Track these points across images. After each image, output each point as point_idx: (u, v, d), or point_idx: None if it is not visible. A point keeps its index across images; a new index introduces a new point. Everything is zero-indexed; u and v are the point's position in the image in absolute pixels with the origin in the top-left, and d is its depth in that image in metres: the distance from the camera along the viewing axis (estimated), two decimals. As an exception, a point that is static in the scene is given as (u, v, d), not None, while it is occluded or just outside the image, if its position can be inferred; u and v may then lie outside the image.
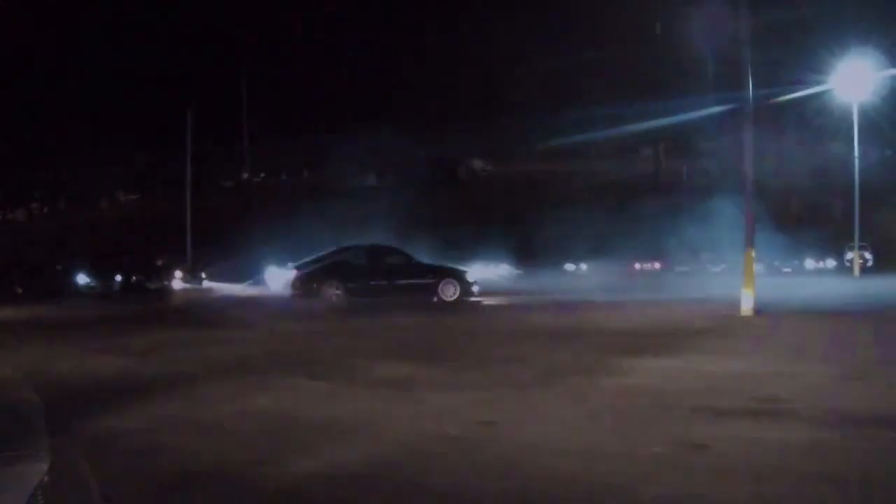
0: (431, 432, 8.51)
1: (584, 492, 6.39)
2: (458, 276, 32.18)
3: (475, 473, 6.97)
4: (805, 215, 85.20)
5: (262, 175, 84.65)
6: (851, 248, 62.44)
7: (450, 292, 31.55)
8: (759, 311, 22.55)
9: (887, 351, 14.76)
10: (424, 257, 35.05)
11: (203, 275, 55.59)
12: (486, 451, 7.70)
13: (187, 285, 53.48)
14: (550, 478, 6.73)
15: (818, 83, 51.14)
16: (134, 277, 50.47)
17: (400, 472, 7.06)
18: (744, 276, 23.09)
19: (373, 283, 31.73)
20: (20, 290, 47.23)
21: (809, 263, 76.78)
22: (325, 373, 12.99)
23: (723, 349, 15.45)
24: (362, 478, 6.95)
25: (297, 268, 33.21)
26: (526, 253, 62.90)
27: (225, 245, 58.42)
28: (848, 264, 65.04)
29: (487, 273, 61.40)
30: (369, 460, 7.47)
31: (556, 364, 13.72)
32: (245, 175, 77.07)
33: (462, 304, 30.17)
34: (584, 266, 69.73)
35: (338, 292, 30.79)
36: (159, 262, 55.75)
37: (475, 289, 32.07)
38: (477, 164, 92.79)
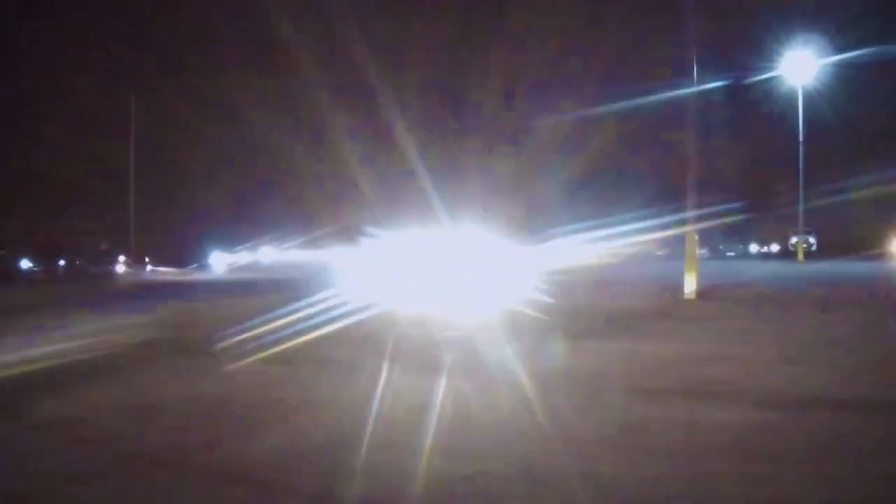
0: (375, 414, 8.46)
1: (525, 471, 6.40)
2: None
3: (421, 454, 6.94)
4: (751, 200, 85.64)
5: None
6: (796, 233, 62.92)
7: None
8: (701, 294, 22.68)
9: (826, 334, 14.89)
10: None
11: (147, 259, 55.38)
12: (432, 430, 7.71)
13: (131, 270, 53.27)
14: (487, 457, 6.72)
15: (766, 69, 51.47)
16: (77, 262, 50.23)
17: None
18: (686, 260, 23.20)
19: None
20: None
21: (754, 248, 77.34)
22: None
23: (664, 332, 15.53)
24: (306, 459, 6.90)
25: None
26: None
27: (168, 229, 58.18)
28: (792, 249, 65.52)
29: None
30: (312, 442, 7.44)
31: (500, 345, 13.70)
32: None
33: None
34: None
35: None
36: (103, 247, 55.49)
37: None
38: None
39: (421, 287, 22.95)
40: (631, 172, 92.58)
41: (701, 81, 24.88)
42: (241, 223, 50.15)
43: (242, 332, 14.03)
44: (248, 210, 58.75)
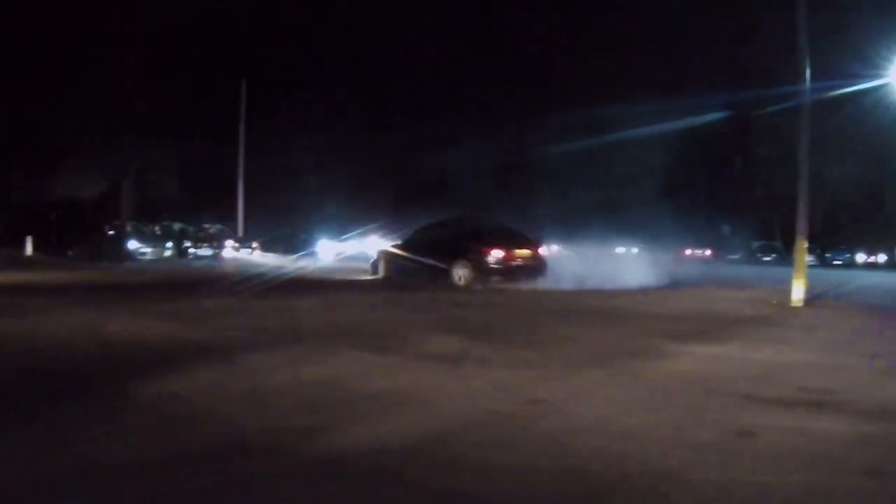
0: (484, 408, 8.58)
1: (634, 473, 6.45)
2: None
3: (526, 450, 7.03)
4: (859, 210, 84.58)
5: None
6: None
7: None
8: (809, 301, 22.52)
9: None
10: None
11: (254, 244, 55.79)
12: (539, 428, 7.79)
13: (238, 254, 53.71)
14: (601, 458, 6.78)
15: (876, 77, 50.70)
16: (185, 244, 50.74)
17: (450, 446, 7.14)
18: (795, 267, 23.05)
19: None
20: (71, 254, 47.56)
21: (861, 257, 76.28)
22: (375, 345, 13.06)
23: (772, 338, 15.39)
24: (411, 450, 6.99)
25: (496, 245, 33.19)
26: (576, 234, 62.78)
27: (277, 215, 58.63)
28: (899, 259, 64.63)
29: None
30: (419, 433, 7.52)
31: (607, 346, 13.81)
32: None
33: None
34: (635, 249, 69.61)
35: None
36: (211, 230, 55.99)
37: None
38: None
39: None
40: (734, 179, 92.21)
41: (813, 88, 24.67)
42: (350, 212, 50.39)
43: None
44: (357, 199, 59.18)
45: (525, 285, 28.06)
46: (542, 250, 31.83)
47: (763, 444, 7.36)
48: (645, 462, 6.73)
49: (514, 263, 29.98)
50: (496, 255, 29.64)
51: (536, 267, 30.60)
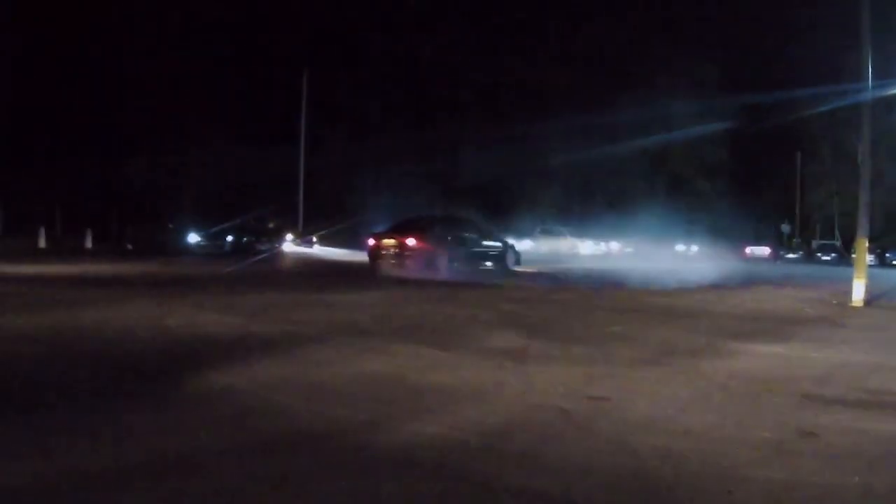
0: (544, 404, 8.58)
1: (692, 471, 6.46)
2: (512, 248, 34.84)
3: (587, 448, 7.04)
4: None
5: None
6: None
7: (512, 261, 33.49)
8: (870, 301, 22.40)
9: None
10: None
11: (314, 238, 56.00)
12: (598, 426, 7.79)
13: (298, 248, 53.94)
14: (661, 456, 6.77)
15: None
16: (245, 238, 50.98)
17: (511, 443, 7.14)
18: (855, 266, 22.93)
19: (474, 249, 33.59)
20: (131, 247, 47.89)
21: (921, 258, 75.61)
22: (436, 340, 13.11)
23: (833, 338, 15.33)
24: (473, 446, 7.00)
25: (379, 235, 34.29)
26: (636, 231, 62.70)
27: (337, 210, 58.88)
28: (961, 260, 64.07)
29: (597, 249, 61.52)
30: (482, 429, 7.54)
31: (667, 343, 13.78)
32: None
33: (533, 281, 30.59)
34: (694, 247, 69.36)
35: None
36: (270, 225, 56.24)
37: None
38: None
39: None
40: (800, 179, 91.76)
41: (874, 86, 24.53)
42: (407, 207, 50.45)
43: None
44: (413, 194, 59.25)
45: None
46: (412, 241, 32.74)
47: (824, 444, 7.34)
48: (705, 460, 6.73)
49: (384, 252, 32.78)
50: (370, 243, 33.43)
51: (407, 255, 32.49)
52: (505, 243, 37.45)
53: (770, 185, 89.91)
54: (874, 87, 24.33)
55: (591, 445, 7.12)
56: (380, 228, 35.49)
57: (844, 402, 9.20)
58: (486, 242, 36.25)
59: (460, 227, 36.55)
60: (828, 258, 74.43)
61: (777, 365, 11.88)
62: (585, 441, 7.26)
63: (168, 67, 64.15)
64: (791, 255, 79.85)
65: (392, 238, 33.01)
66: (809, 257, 77.89)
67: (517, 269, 36.51)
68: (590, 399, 8.88)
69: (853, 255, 23.73)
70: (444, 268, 32.42)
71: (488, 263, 35.30)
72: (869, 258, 26.97)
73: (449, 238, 34.30)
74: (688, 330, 15.83)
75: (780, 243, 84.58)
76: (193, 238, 47.71)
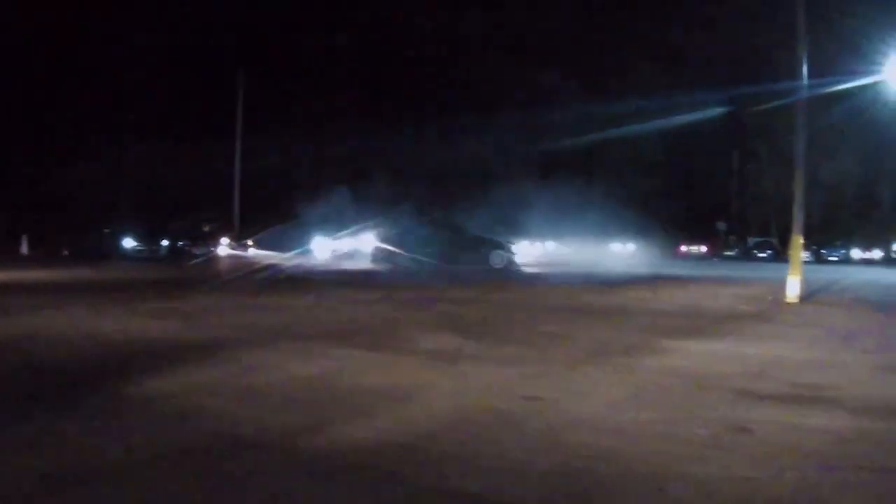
0: (478, 405, 8.55)
1: (625, 469, 6.42)
2: (505, 248, 35.31)
3: (519, 447, 6.99)
4: (855, 206, 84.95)
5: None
6: (899, 240, 62.23)
7: (497, 261, 33.98)
8: (804, 297, 22.56)
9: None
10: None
11: (249, 242, 55.87)
12: (531, 426, 7.75)
13: (233, 252, 53.79)
14: (593, 455, 6.74)
15: (872, 73, 50.82)
16: (180, 243, 50.77)
17: (444, 444, 7.08)
18: (790, 263, 23.09)
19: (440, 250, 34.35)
20: (67, 253, 47.60)
21: (856, 253, 76.41)
22: (371, 342, 13.06)
23: (767, 334, 15.46)
24: (406, 448, 6.94)
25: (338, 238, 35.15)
26: (572, 231, 62.94)
27: (272, 214, 58.70)
28: (894, 255, 64.80)
29: (533, 250, 61.65)
30: (416, 431, 7.48)
31: (601, 342, 13.80)
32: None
33: (509, 278, 30.89)
34: (631, 246, 69.72)
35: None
36: (206, 228, 56.05)
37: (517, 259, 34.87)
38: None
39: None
40: (735, 176, 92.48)
41: (810, 84, 24.71)
42: (347, 209, 50.45)
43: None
44: (354, 196, 59.22)
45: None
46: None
47: (758, 439, 7.34)
48: (638, 458, 6.71)
49: None
50: None
51: None
52: (489, 243, 38.03)
53: (707, 183, 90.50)
54: (810, 86, 24.53)
55: (525, 445, 7.07)
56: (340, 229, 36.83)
57: (779, 397, 9.23)
58: (465, 243, 36.97)
59: (438, 229, 37.11)
60: (764, 255, 75.11)
61: (711, 362, 11.91)
62: (518, 441, 7.20)
63: (102, 69, 63.73)
64: (728, 253, 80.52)
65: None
66: (746, 255, 78.53)
67: (499, 267, 36.86)
68: (523, 399, 8.84)
69: (789, 252, 23.87)
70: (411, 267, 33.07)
71: (468, 262, 35.91)
72: (805, 255, 27.20)
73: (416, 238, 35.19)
74: (622, 328, 15.89)
75: (717, 241, 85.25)
76: (129, 243, 47.48)
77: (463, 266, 35.63)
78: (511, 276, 33.52)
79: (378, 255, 37.31)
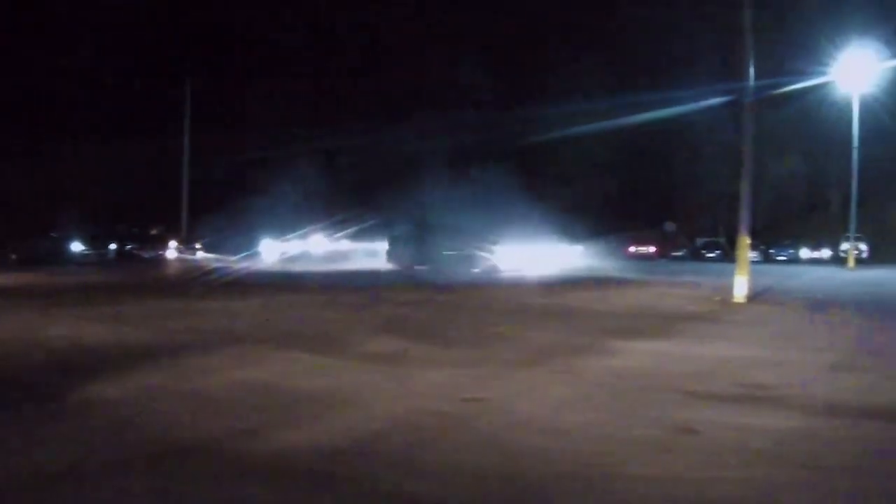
0: (420, 408, 8.49)
1: (570, 470, 6.37)
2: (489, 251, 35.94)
3: (462, 449, 6.94)
4: (803, 206, 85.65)
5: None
6: (847, 239, 62.66)
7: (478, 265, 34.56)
8: (752, 297, 22.62)
9: (877, 341, 14.86)
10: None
11: (197, 245, 55.61)
12: (475, 427, 7.72)
13: (182, 256, 53.52)
14: (538, 456, 6.70)
15: (820, 74, 51.24)
16: (128, 246, 50.48)
17: (387, 447, 7.04)
18: (737, 263, 23.15)
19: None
20: (14, 257, 47.19)
21: (805, 253, 76.85)
22: (315, 346, 12.96)
23: (715, 334, 15.46)
24: (348, 451, 6.88)
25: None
26: (519, 232, 63.03)
27: (220, 216, 58.44)
28: (843, 255, 65.21)
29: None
30: (356, 434, 7.42)
31: (549, 343, 13.79)
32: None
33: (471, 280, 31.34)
34: (579, 247, 69.92)
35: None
36: (154, 232, 55.77)
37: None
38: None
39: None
40: (682, 177, 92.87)
41: (757, 85, 24.81)
42: (292, 210, 50.36)
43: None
44: (298, 196, 59.04)
45: None
46: None
47: (703, 439, 7.33)
48: (583, 459, 6.66)
49: None
50: None
51: None
52: (473, 248, 38.56)
53: (655, 184, 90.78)
54: (757, 87, 24.62)
55: (467, 447, 7.02)
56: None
57: (725, 397, 9.24)
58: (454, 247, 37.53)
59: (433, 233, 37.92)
60: (712, 255, 75.36)
61: (658, 362, 11.92)
62: (461, 443, 7.16)
63: (46, 72, 63.30)
64: (676, 253, 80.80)
65: None
66: (694, 255, 78.88)
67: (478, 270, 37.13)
68: (467, 401, 8.80)
69: (737, 253, 23.94)
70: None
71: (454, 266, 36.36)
72: (753, 255, 27.28)
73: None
74: (570, 329, 15.86)
75: (665, 241, 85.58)
76: (77, 247, 47.09)
77: (447, 268, 35.95)
78: (468, 278, 33.51)
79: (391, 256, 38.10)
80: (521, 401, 8.88)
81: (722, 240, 78.29)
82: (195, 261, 50.19)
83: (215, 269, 36.14)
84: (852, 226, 58.59)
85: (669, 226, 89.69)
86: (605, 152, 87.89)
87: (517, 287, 28.16)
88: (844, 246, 66.06)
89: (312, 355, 12.10)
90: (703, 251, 77.73)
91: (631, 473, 6.28)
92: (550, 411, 8.35)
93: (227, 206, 57.75)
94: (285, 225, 48.98)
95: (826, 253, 75.72)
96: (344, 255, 49.13)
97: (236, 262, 43.12)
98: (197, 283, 28.88)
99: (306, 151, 70.67)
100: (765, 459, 6.72)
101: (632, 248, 76.88)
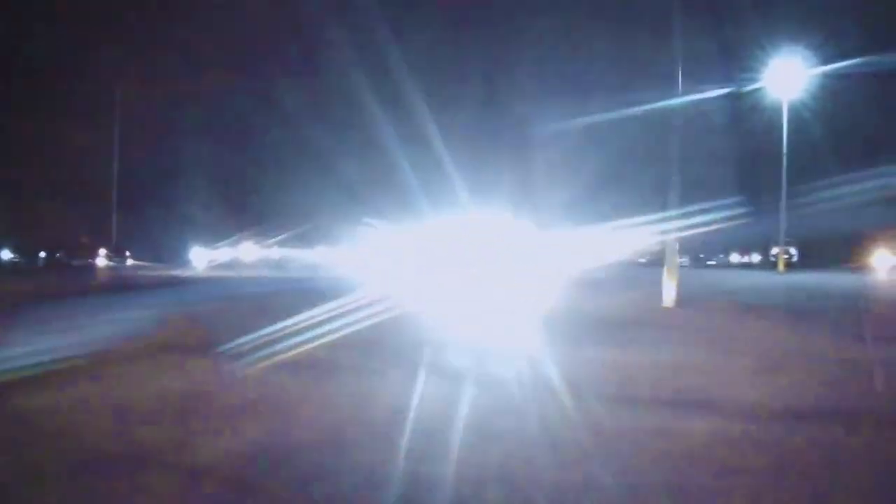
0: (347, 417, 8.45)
1: (500, 476, 6.37)
2: None
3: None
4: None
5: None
6: (777, 244, 63.32)
7: None
8: (680, 302, 22.75)
9: (804, 344, 14.97)
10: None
11: (127, 253, 55.31)
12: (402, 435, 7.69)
13: (111, 263, 53.17)
14: (466, 462, 6.70)
15: (749, 81, 51.77)
16: (58, 254, 50.11)
17: (311, 454, 7.01)
18: (666, 268, 23.28)
19: None
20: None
21: (735, 257, 77.63)
22: (244, 354, 12.85)
23: (641, 340, 15.55)
24: (272, 459, 6.84)
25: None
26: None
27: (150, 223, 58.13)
28: (773, 259, 65.88)
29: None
30: (281, 441, 7.40)
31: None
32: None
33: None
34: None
35: None
36: (84, 240, 55.36)
37: None
38: None
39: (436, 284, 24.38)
40: (616, 180, 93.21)
41: (686, 91, 24.98)
42: (222, 217, 50.27)
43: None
44: (229, 203, 58.87)
45: None
46: None
47: (627, 444, 7.32)
48: (512, 465, 6.66)
49: None
50: None
51: None
52: None
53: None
54: (685, 92, 24.78)
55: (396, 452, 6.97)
56: None
57: (649, 401, 9.26)
58: None
59: None
60: (643, 261, 76.02)
61: (584, 368, 11.93)
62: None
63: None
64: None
65: None
66: (626, 261, 79.53)
67: None
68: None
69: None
70: None
71: None
72: (683, 259, 27.51)
73: None
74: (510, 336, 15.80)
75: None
76: (6, 255, 46.73)
77: None
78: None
79: None
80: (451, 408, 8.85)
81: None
82: (125, 268, 49.94)
83: (142, 276, 36.03)
84: (782, 230, 59.14)
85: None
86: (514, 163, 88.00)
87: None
88: (774, 250, 66.78)
89: (240, 363, 11.98)
90: (636, 257, 78.31)
91: (561, 478, 6.31)
92: (482, 418, 8.35)
93: (157, 213, 57.43)
94: (216, 232, 48.96)
95: (756, 257, 76.51)
96: (276, 263, 49.11)
97: (166, 270, 43.00)
98: (123, 290, 28.68)
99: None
100: (684, 464, 6.73)
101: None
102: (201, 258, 48.16)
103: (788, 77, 52.98)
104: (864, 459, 7.03)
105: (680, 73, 23.96)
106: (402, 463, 6.67)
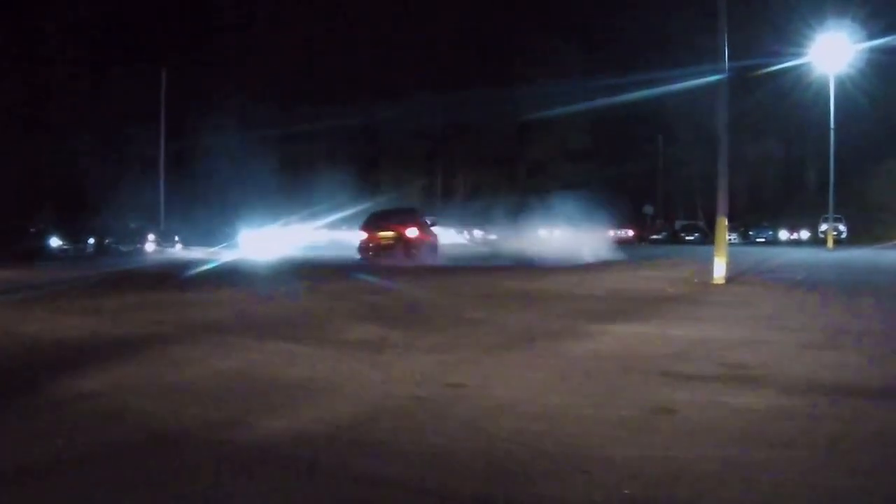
0: (400, 394, 8.49)
1: (550, 454, 6.37)
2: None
3: (443, 434, 6.93)
4: (782, 187, 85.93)
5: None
6: (826, 220, 62.91)
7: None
8: (730, 279, 22.69)
9: (856, 321, 14.87)
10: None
11: (176, 238, 55.44)
12: (454, 412, 7.70)
13: (160, 248, 53.34)
14: (517, 440, 6.70)
15: (796, 56, 51.43)
16: (107, 240, 50.22)
17: (367, 433, 7.03)
18: (716, 245, 23.21)
19: None
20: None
21: (783, 234, 77.15)
22: (295, 334, 12.91)
23: (693, 316, 15.51)
24: (328, 438, 6.87)
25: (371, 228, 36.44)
26: (498, 218, 63.02)
27: (198, 207, 58.22)
28: (822, 236, 65.50)
29: (460, 238, 61.62)
30: (335, 421, 7.40)
31: (528, 328, 13.80)
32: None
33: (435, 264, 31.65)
34: (557, 232, 69.72)
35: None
36: (132, 225, 55.48)
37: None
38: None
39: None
40: (660, 160, 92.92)
41: (732, 67, 24.90)
42: (273, 200, 50.37)
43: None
44: (280, 187, 58.99)
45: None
46: (413, 232, 35.45)
47: (681, 419, 7.34)
48: (562, 441, 6.68)
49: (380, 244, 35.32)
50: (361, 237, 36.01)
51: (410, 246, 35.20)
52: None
53: (633, 167, 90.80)
54: (731, 68, 24.69)
55: (447, 432, 7.01)
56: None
57: (702, 377, 9.26)
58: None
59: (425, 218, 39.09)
60: (692, 238, 75.73)
61: (636, 344, 11.96)
62: (441, 428, 7.14)
63: (18, 63, 62.93)
64: (655, 236, 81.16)
65: (389, 230, 35.27)
66: (673, 238, 79.15)
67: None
68: (447, 386, 8.79)
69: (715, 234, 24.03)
70: (436, 256, 35.62)
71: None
72: (731, 236, 27.41)
73: (431, 228, 37.69)
74: (548, 313, 15.85)
75: (644, 225, 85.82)
76: (55, 242, 46.79)
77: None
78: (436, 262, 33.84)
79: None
80: (499, 385, 8.85)
81: (701, 222, 78.64)
82: (174, 253, 50.10)
83: (194, 262, 36.10)
84: (830, 207, 58.74)
85: (648, 209, 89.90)
86: (582, 136, 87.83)
87: (496, 273, 28.20)
88: (823, 227, 66.39)
89: (291, 343, 12.02)
90: (682, 234, 78.14)
91: (611, 454, 6.27)
92: (529, 395, 8.34)
93: (204, 197, 57.56)
94: (265, 215, 49.00)
95: (805, 234, 76.07)
96: (325, 245, 49.20)
97: (215, 254, 43.06)
98: (174, 275, 28.79)
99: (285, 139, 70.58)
100: (739, 439, 6.74)
101: (610, 232, 77.02)
102: (251, 242, 48.09)
103: (835, 51, 52.53)
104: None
105: (727, 47, 23.81)
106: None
